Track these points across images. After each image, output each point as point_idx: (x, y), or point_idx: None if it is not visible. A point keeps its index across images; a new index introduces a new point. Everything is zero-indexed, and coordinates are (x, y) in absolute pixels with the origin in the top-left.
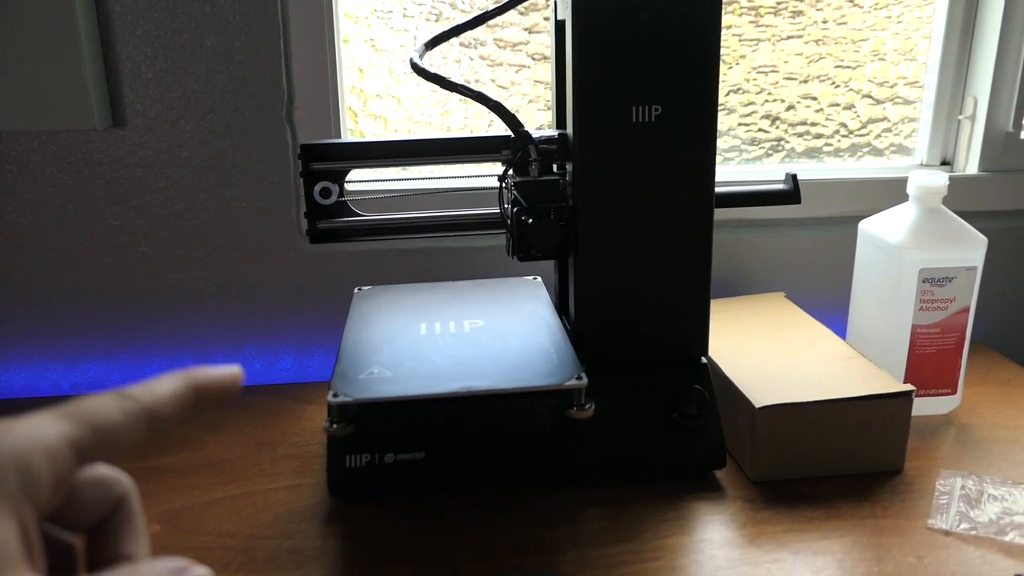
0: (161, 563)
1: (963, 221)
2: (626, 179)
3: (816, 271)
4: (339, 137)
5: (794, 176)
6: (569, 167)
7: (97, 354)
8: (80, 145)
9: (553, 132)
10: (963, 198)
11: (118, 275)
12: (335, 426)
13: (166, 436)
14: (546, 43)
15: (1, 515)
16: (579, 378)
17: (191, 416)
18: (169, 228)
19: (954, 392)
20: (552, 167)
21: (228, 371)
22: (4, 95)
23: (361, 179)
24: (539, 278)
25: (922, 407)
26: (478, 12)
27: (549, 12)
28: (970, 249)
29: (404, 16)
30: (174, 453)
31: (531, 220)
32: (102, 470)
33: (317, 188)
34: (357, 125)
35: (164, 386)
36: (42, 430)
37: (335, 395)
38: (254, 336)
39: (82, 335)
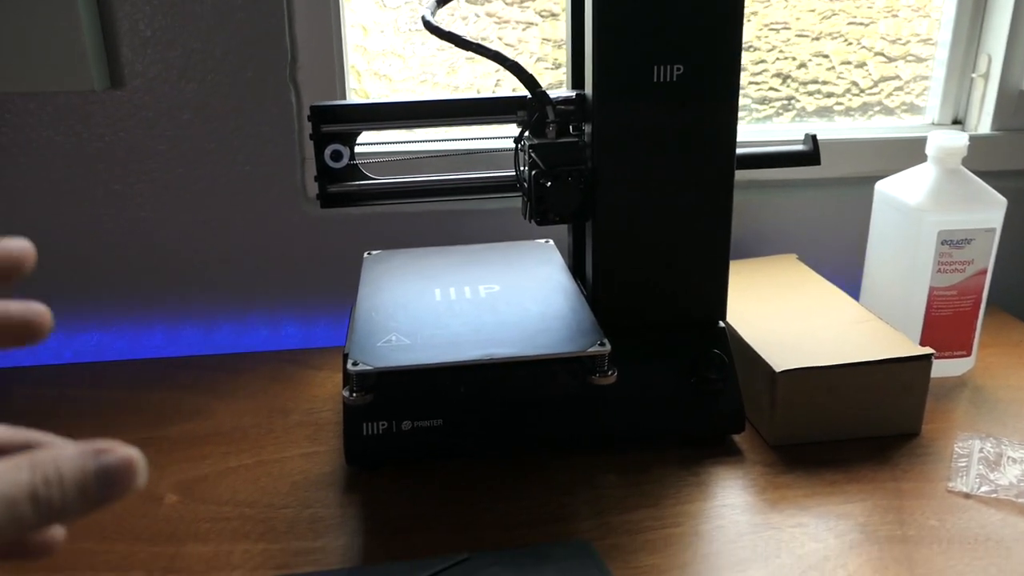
0: (80, 445)
1: (982, 182)
2: (646, 141)
3: (827, 232)
4: (344, 97)
5: (814, 137)
6: (587, 129)
7: (98, 322)
8: (77, 107)
9: (571, 92)
10: (974, 157)
11: (119, 240)
12: (354, 395)
13: (175, 405)
14: None
15: None
16: (602, 344)
17: None
18: (171, 192)
19: (969, 354)
20: (569, 128)
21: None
22: None
23: (371, 141)
24: (551, 241)
25: (937, 369)
26: None
27: None
28: (990, 210)
29: None
30: (184, 422)
31: (549, 183)
32: None
33: (328, 151)
34: (361, 84)
35: None
36: None
37: (355, 364)
38: (259, 301)
39: (83, 302)
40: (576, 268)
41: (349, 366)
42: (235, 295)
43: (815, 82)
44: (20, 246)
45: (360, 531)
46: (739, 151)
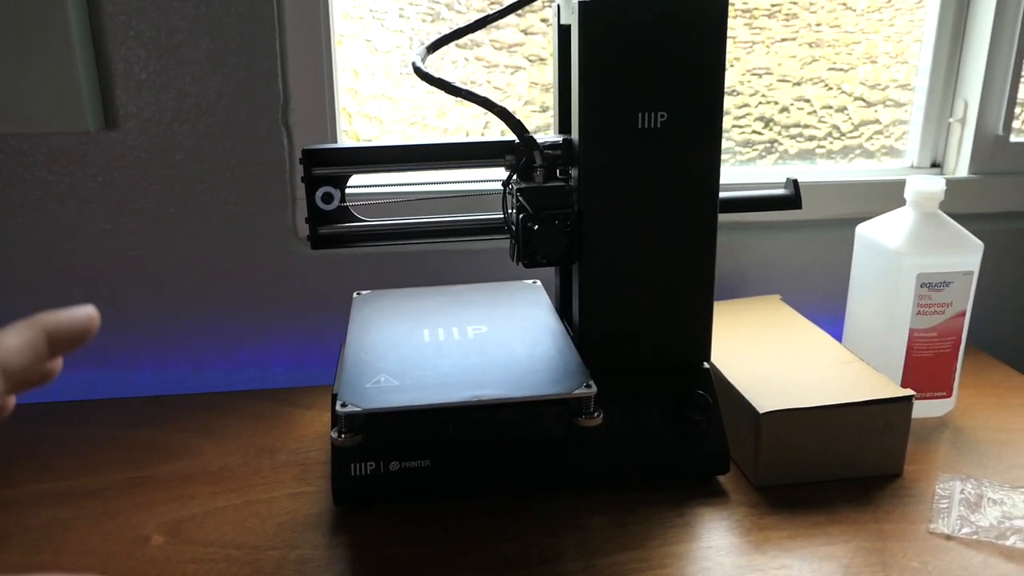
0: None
1: (959, 226)
2: (631, 185)
3: (810, 273)
4: (335, 139)
5: (795, 181)
6: (574, 172)
7: (88, 359)
8: (72, 147)
9: (557, 137)
10: (952, 200)
11: (111, 279)
12: (343, 436)
13: (163, 444)
14: (542, 44)
15: None
16: (588, 386)
17: (47, 360)
18: (163, 232)
19: (949, 395)
20: (556, 172)
21: (80, 313)
22: None
23: (361, 183)
24: (539, 282)
25: (918, 410)
26: (476, 13)
27: (551, 16)
28: (967, 254)
29: (400, 17)
30: (172, 461)
31: (537, 227)
32: None
33: (319, 193)
34: (352, 126)
35: (12, 337)
36: None
37: (343, 405)
38: (249, 340)
39: None
40: (563, 309)
41: (338, 407)
42: (225, 334)
43: (797, 126)
44: (83, 316)
45: (347, 573)
46: (722, 195)
